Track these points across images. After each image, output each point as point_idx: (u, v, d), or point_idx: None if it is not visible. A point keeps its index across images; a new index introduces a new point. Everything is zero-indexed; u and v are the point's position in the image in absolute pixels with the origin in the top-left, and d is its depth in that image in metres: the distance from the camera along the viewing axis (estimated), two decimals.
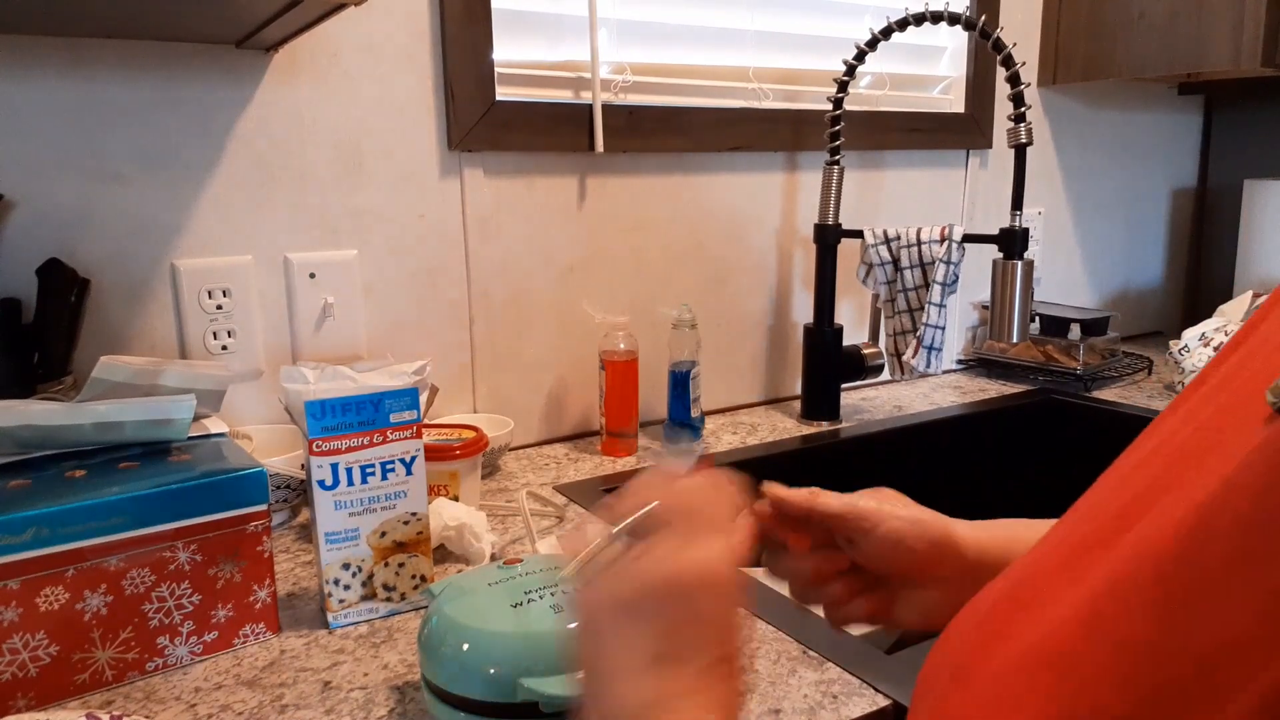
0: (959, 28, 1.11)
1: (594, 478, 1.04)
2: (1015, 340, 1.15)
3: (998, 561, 0.52)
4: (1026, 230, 1.11)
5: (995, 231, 1.12)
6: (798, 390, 1.36)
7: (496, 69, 1.07)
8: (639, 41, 1.18)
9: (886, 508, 0.53)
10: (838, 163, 1.22)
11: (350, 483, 0.68)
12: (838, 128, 1.21)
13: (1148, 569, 0.30)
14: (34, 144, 0.87)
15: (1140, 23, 1.42)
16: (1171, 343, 1.39)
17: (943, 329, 1.19)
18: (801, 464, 1.15)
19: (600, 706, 0.39)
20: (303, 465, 0.79)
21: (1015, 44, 1.19)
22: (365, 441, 0.68)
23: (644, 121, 1.17)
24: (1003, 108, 1.47)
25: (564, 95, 1.14)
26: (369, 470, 0.68)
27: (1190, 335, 1.36)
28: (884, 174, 1.41)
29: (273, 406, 1.01)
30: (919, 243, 1.20)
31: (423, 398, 0.73)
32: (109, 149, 0.90)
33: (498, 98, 1.07)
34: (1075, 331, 1.44)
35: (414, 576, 0.72)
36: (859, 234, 1.24)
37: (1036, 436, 1.37)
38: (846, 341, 1.27)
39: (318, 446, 0.66)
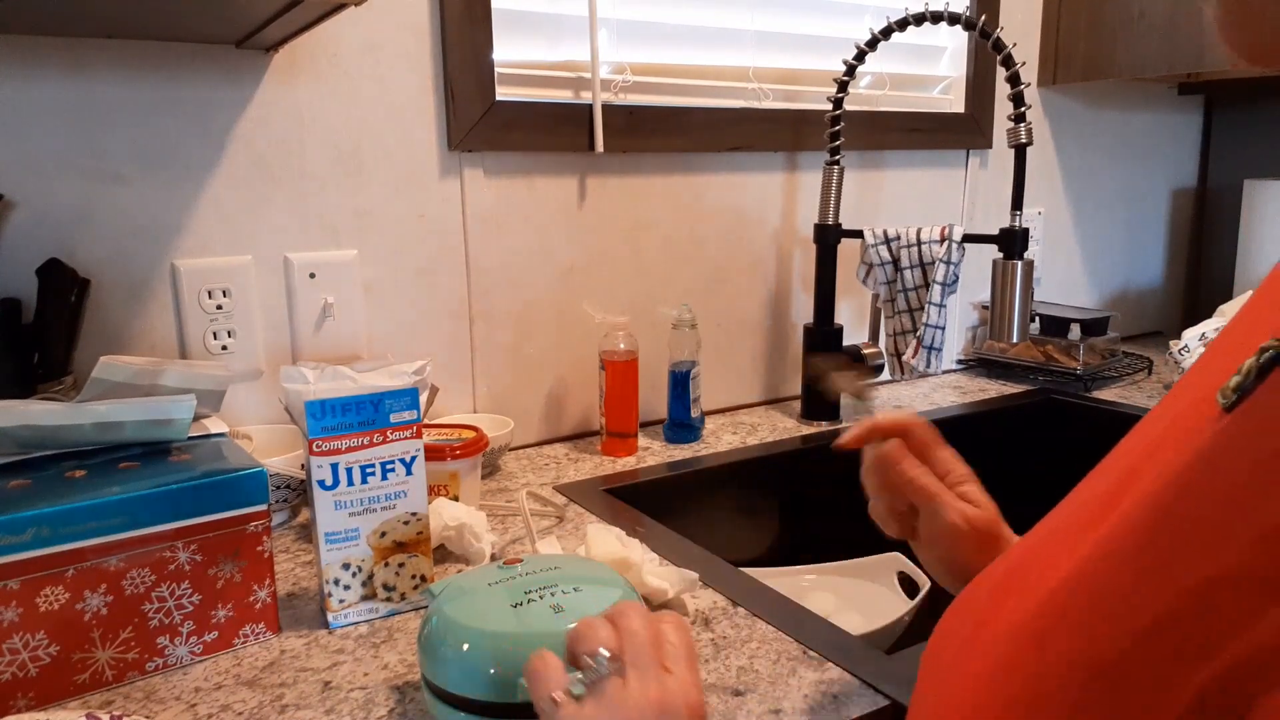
0: (959, 28, 1.11)
1: (594, 478, 1.04)
2: (1015, 340, 1.15)
3: None
4: (1026, 230, 1.11)
5: (995, 231, 1.12)
6: (798, 390, 1.36)
7: (496, 69, 1.07)
8: (639, 41, 1.18)
9: (960, 504, 0.59)
10: (838, 163, 1.22)
11: (350, 483, 0.68)
12: (838, 128, 1.21)
13: (1126, 539, 0.33)
14: (34, 144, 0.87)
15: (1140, 23, 1.42)
16: (1171, 343, 1.39)
17: (943, 329, 1.19)
18: (801, 464, 1.15)
19: None
20: (303, 465, 0.79)
21: (1015, 44, 1.19)
22: (365, 441, 0.68)
23: (644, 121, 1.17)
24: (1003, 108, 1.47)
25: (564, 95, 1.14)
26: (369, 470, 0.68)
27: (1190, 335, 1.36)
28: (884, 174, 1.41)
29: (273, 406, 1.01)
30: (919, 243, 1.20)
31: (423, 398, 0.73)
32: (109, 149, 0.90)
33: (498, 98, 1.07)
34: (1075, 331, 1.44)
35: (414, 576, 0.72)
36: (859, 234, 1.24)
37: (1036, 436, 1.37)
38: (846, 341, 1.27)
39: (318, 446, 0.66)
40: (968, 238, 1.17)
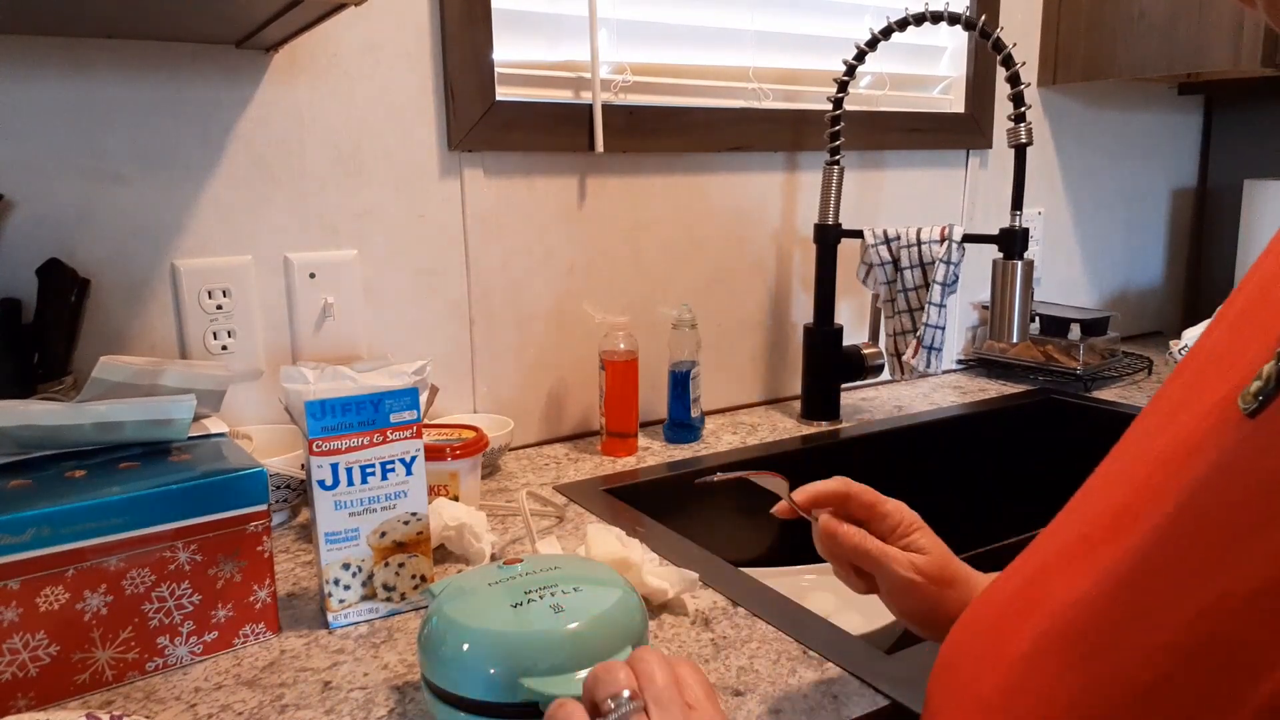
0: (959, 28, 1.11)
1: (594, 478, 1.04)
2: (1015, 340, 1.15)
3: None
4: (1026, 230, 1.11)
5: (995, 231, 1.12)
6: (798, 390, 1.36)
7: (496, 69, 1.07)
8: (639, 41, 1.18)
9: (908, 589, 0.59)
10: (838, 163, 1.22)
11: (350, 483, 0.68)
12: (838, 128, 1.21)
13: (1154, 553, 0.31)
14: (34, 144, 0.87)
15: (1140, 23, 1.42)
16: (1171, 343, 1.39)
17: (943, 329, 1.19)
18: (801, 464, 1.15)
19: None
20: (303, 465, 0.79)
21: (1015, 44, 1.19)
22: (365, 441, 0.68)
23: (644, 121, 1.17)
24: (1003, 108, 1.47)
25: (564, 95, 1.14)
26: (369, 470, 0.68)
27: (1190, 335, 1.36)
28: (884, 174, 1.41)
29: (273, 406, 1.01)
30: (919, 243, 1.20)
31: (423, 398, 0.73)
32: (109, 149, 0.90)
33: (498, 98, 1.07)
34: (1075, 331, 1.44)
35: (414, 576, 0.72)
36: (859, 234, 1.24)
37: (1036, 436, 1.37)
38: (846, 341, 1.27)
39: (318, 446, 0.66)
40: (968, 238, 1.17)
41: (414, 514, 0.71)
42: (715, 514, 1.09)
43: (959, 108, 1.46)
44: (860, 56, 1.17)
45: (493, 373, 1.14)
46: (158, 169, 0.93)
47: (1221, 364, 0.37)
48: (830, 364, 1.26)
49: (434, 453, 0.84)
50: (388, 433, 0.68)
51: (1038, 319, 1.49)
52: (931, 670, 0.43)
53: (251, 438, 0.93)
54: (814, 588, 1.03)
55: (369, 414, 0.68)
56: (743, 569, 0.81)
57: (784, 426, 1.24)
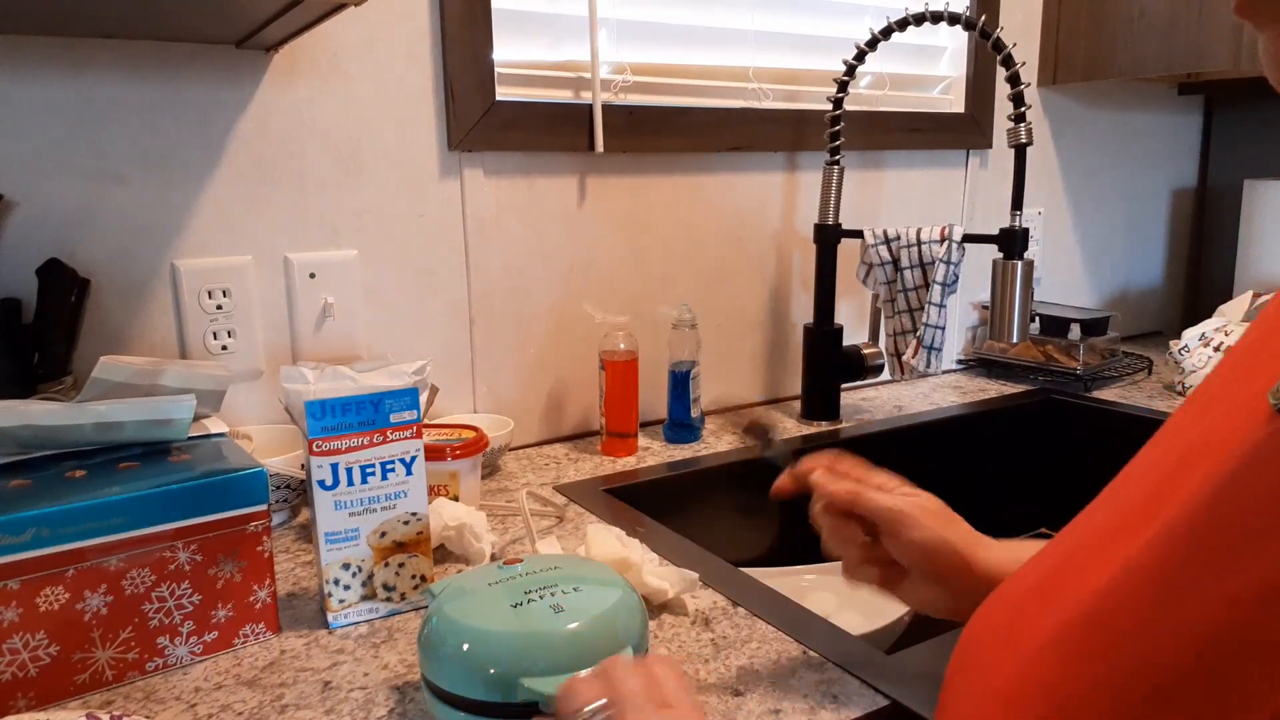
0: (959, 28, 1.11)
1: (594, 478, 1.04)
2: (1015, 340, 1.15)
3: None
4: (1026, 230, 1.11)
5: (995, 231, 1.12)
6: (798, 390, 1.36)
7: (496, 69, 1.07)
8: (639, 41, 1.18)
9: (919, 516, 0.58)
10: (838, 163, 1.22)
11: (350, 483, 0.68)
12: (838, 128, 1.21)
13: (1176, 546, 0.31)
14: (34, 144, 0.87)
15: (1140, 23, 1.42)
16: (1171, 343, 1.39)
17: (943, 329, 1.19)
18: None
19: None
20: (303, 465, 0.79)
21: (1015, 44, 1.19)
22: (365, 441, 0.68)
23: (644, 121, 1.17)
24: (1003, 108, 1.47)
25: (564, 95, 1.14)
26: (369, 470, 0.68)
27: (1190, 335, 1.36)
28: (884, 174, 1.41)
29: (273, 406, 1.01)
30: (919, 243, 1.20)
31: (423, 398, 0.73)
32: (109, 149, 0.90)
33: (498, 98, 1.07)
34: (1075, 331, 1.44)
35: (414, 576, 0.72)
36: (859, 234, 1.24)
37: (1036, 436, 1.37)
38: (846, 341, 1.27)
39: (318, 446, 0.66)
40: (968, 238, 1.17)
41: (414, 514, 0.71)
42: (715, 514, 1.09)
43: (959, 108, 1.46)
44: (860, 56, 1.17)
45: (493, 373, 1.14)
46: (157, 169, 0.93)
47: (1258, 359, 0.37)
48: (830, 364, 1.26)
49: (434, 453, 0.84)
50: (388, 433, 0.68)
51: (1038, 319, 1.49)
52: (951, 655, 0.43)
53: (251, 438, 0.93)
54: (814, 588, 1.03)
55: (369, 414, 0.68)
56: (743, 569, 0.81)
57: (784, 426, 1.24)
